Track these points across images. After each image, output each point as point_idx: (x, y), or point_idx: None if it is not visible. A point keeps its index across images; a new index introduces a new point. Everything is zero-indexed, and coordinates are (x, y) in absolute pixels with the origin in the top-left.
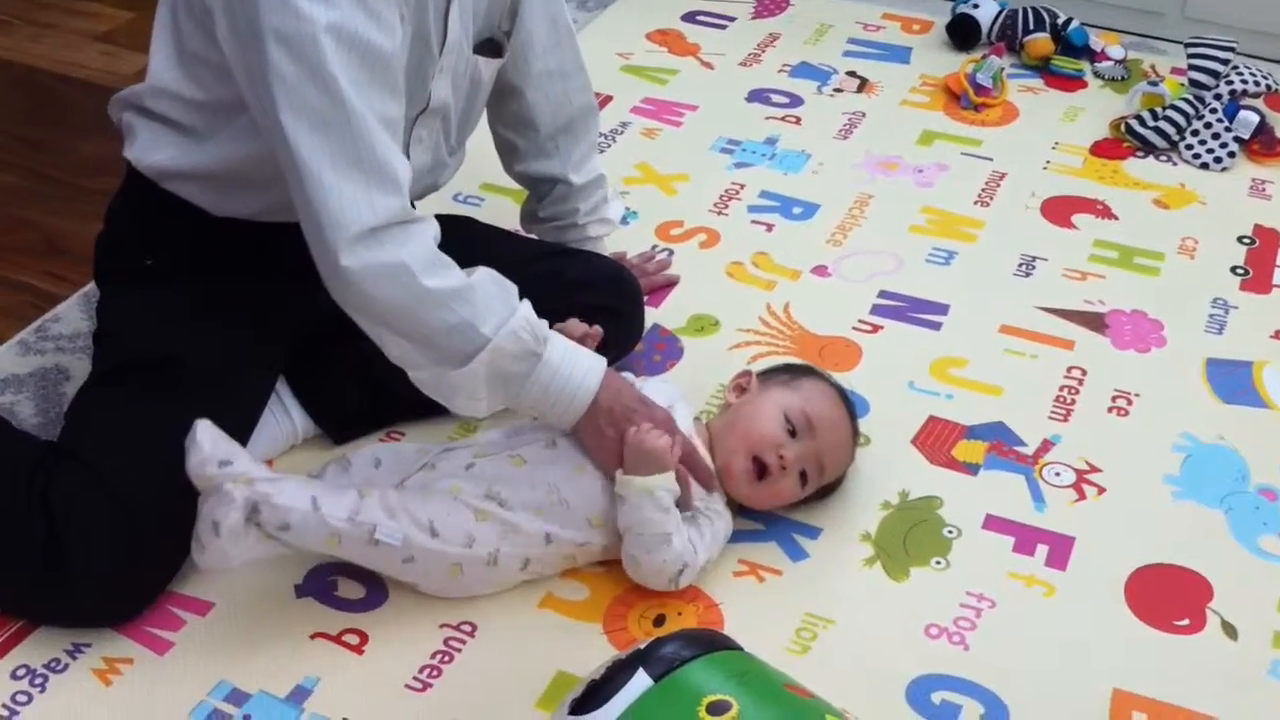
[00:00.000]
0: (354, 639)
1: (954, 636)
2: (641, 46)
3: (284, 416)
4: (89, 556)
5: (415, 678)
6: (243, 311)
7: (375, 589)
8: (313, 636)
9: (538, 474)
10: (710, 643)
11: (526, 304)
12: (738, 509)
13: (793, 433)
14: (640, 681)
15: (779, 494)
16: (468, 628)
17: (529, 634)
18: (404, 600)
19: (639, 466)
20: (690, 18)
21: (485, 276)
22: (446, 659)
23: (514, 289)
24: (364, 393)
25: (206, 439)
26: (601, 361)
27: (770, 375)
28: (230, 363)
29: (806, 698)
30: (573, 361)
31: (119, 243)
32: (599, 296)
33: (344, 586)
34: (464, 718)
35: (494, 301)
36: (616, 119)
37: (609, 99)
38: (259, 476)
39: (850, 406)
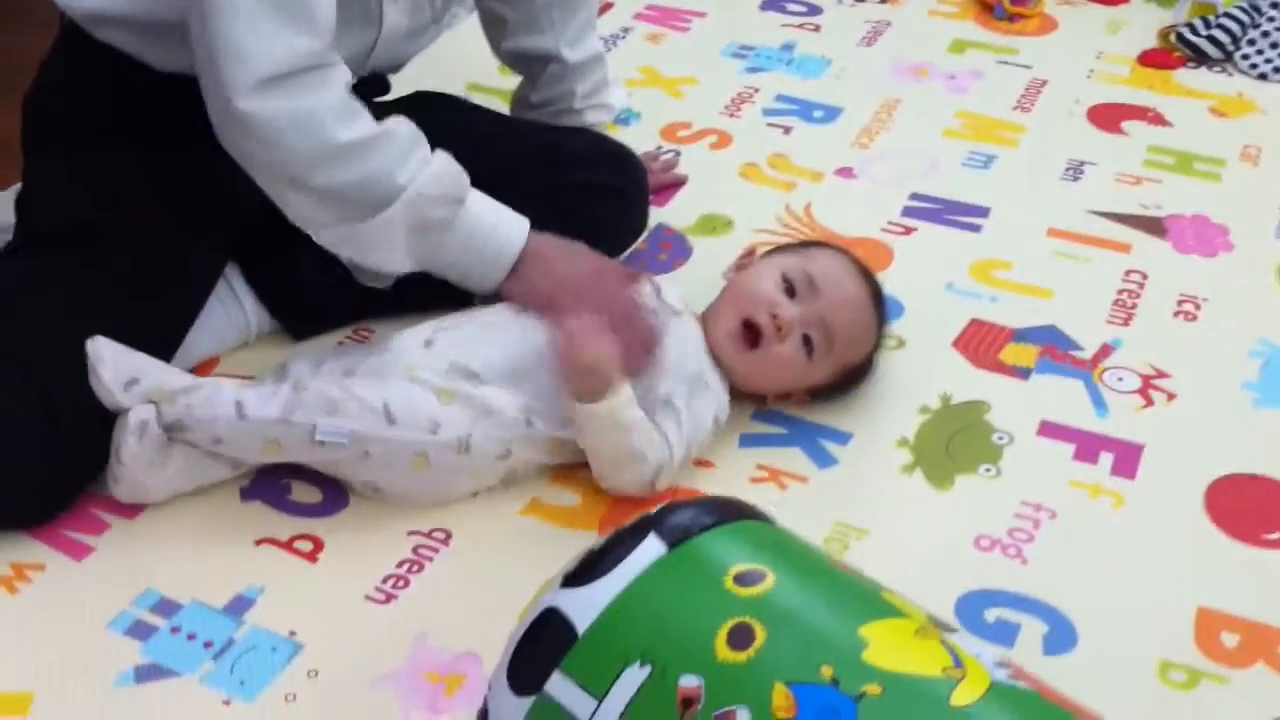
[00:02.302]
0: (306, 545)
1: (1009, 549)
2: None
3: (235, 306)
4: None
5: (377, 588)
6: (187, 179)
7: (334, 494)
8: (258, 543)
9: (509, 335)
10: (737, 510)
11: (443, 153)
12: (750, 414)
13: (791, 293)
14: (652, 548)
15: (779, 363)
16: (440, 535)
17: (511, 542)
18: (367, 505)
19: (580, 387)
20: None
21: (401, 122)
22: (415, 568)
23: (425, 138)
24: (328, 280)
25: (106, 361)
26: (525, 219)
27: (778, 249)
28: (171, 234)
29: (855, 575)
30: (497, 211)
31: (49, 99)
32: (600, 174)
33: (298, 490)
34: (433, 633)
35: (410, 145)
36: (617, 24)
37: (608, 6)
38: (177, 387)
39: (872, 281)
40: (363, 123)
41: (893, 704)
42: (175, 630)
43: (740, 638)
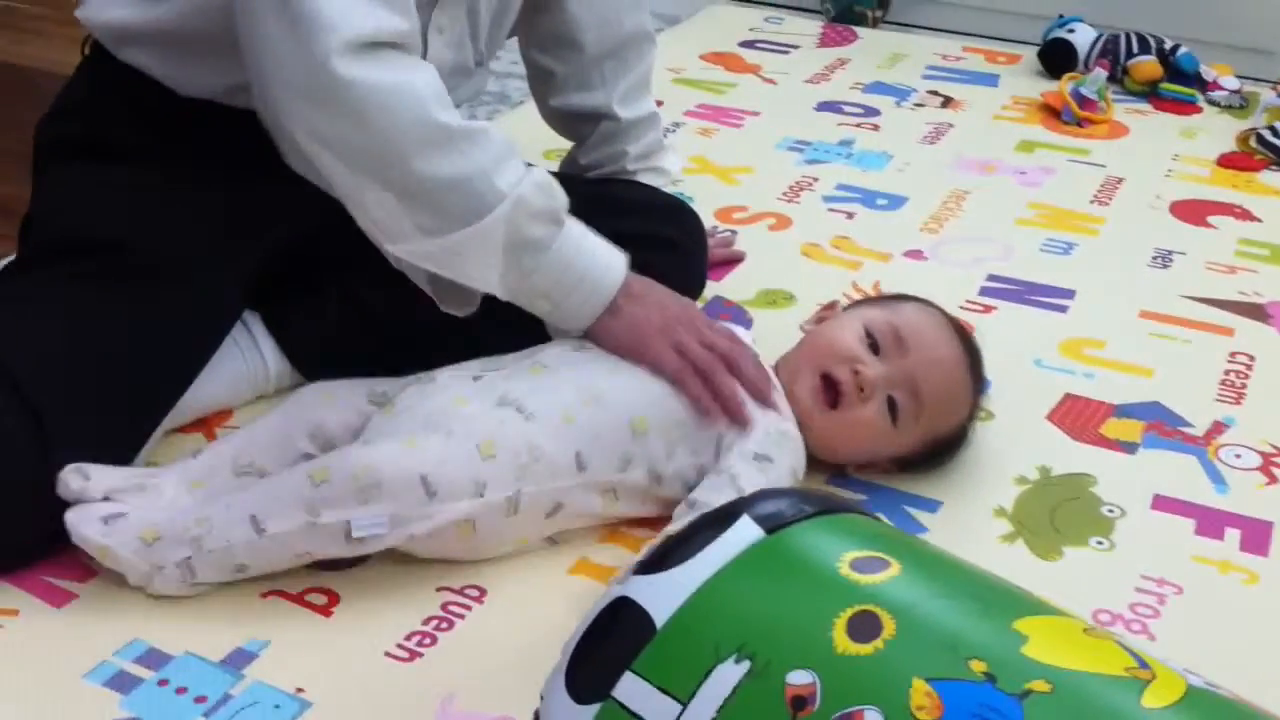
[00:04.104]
0: (320, 599)
1: (1133, 624)
2: (696, 65)
3: (252, 352)
4: None
5: (400, 645)
6: (208, 203)
7: None
8: (265, 595)
9: (564, 376)
10: (840, 503)
11: (539, 168)
12: (826, 479)
13: (875, 349)
14: (746, 531)
15: (859, 428)
16: (474, 592)
17: (554, 603)
18: (392, 560)
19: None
20: (749, 44)
21: (493, 126)
22: (444, 625)
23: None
24: (353, 330)
25: (73, 483)
26: (623, 251)
27: (862, 301)
28: (186, 257)
29: (993, 575)
30: (595, 239)
31: (64, 118)
32: (655, 225)
33: None
34: (464, 695)
35: (509, 148)
36: (667, 119)
37: (658, 103)
38: (162, 520)
39: (968, 339)
40: (458, 114)
41: (1068, 703)
42: (163, 683)
43: (864, 628)
